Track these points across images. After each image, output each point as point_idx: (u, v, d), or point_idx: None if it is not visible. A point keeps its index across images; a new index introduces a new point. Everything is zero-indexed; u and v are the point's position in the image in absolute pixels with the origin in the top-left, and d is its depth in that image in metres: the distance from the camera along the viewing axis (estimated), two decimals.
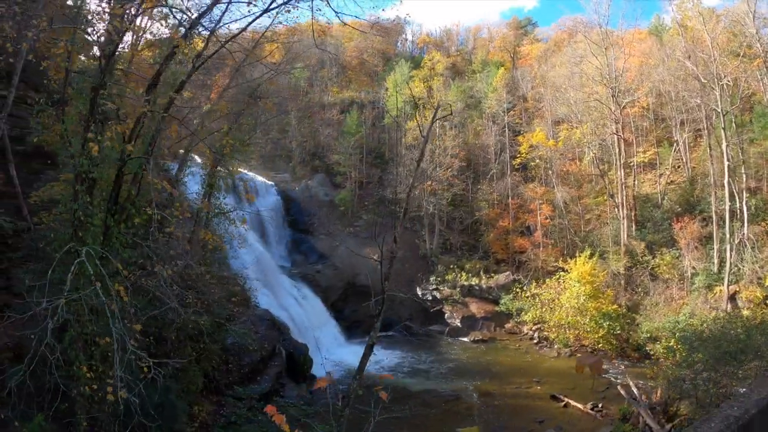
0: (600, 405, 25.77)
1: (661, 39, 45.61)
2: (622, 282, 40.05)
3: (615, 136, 42.73)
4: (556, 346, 36.21)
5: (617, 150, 42.66)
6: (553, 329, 37.03)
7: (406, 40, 77.57)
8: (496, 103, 52.51)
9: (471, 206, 50.68)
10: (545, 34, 70.07)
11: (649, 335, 33.52)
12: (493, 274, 44.81)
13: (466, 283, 44.13)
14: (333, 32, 75.58)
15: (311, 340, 33.52)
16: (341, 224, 48.98)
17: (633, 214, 42.53)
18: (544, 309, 38.31)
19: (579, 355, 34.71)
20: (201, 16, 15.86)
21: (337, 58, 64.74)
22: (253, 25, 18.27)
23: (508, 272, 44.76)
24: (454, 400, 27.63)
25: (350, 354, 34.78)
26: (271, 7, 16.56)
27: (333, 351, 34.76)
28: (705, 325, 31.39)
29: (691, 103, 41.56)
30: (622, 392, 25.39)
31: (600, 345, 34.71)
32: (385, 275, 21.69)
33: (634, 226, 42.02)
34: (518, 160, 50.10)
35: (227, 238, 35.15)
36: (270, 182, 49.50)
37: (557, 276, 39.50)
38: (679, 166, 44.97)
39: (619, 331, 34.46)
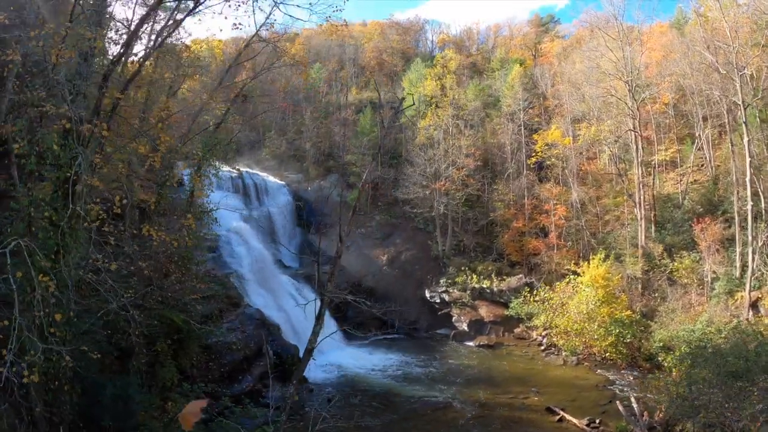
0: (598, 421, 23.29)
1: (682, 32, 42.32)
2: (639, 287, 37.29)
3: (633, 133, 39.84)
4: (563, 354, 33.70)
5: (635, 147, 39.78)
6: (561, 336, 34.55)
7: (427, 39, 75.49)
8: (512, 101, 49.97)
9: (486, 207, 48.37)
10: (567, 30, 66.98)
11: (662, 344, 30.70)
12: (505, 277, 42.49)
13: (477, 286, 41.95)
14: (354, 33, 74.54)
15: (307, 340, 32.24)
16: (354, 224, 47.23)
17: (652, 214, 39.53)
18: (553, 314, 35.92)
19: (586, 363, 32.33)
20: None
21: (355, 59, 63.26)
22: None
23: (520, 275, 42.38)
24: (442, 408, 25.67)
25: (348, 356, 33.44)
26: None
27: (331, 353, 33.10)
28: (723, 334, 28.83)
29: (713, 97, 38.33)
30: (621, 409, 23.03)
31: (607, 354, 32.07)
32: (329, 276, 20.16)
33: (653, 228, 39.05)
34: (533, 159, 47.50)
35: (224, 237, 34.49)
36: (281, 182, 48.35)
37: (567, 279, 37.02)
38: (702, 165, 41.72)
39: (629, 339, 31.71)
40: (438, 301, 41.57)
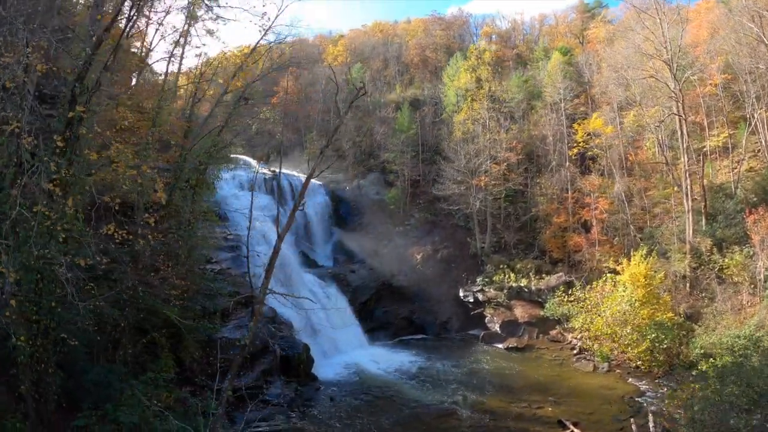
0: None
1: (729, 6, 37.16)
2: (687, 286, 33.24)
3: (677, 117, 35.51)
4: (595, 360, 30.36)
5: (680, 133, 35.47)
6: (593, 340, 31.24)
7: (471, 34, 71.83)
8: (551, 90, 46.22)
9: (528, 202, 45.06)
10: (614, 15, 61.25)
11: (702, 351, 26.85)
12: (544, 276, 39.27)
13: (514, 285, 39.01)
14: (398, 31, 72.50)
15: (327, 340, 31.65)
16: (392, 223, 45.54)
17: (703, 206, 35.06)
18: (587, 316, 32.58)
19: (618, 371, 28.89)
20: None
21: (399, 57, 61.21)
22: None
23: (560, 273, 39.02)
24: (446, 415, 23.70)
25: (367, 357, 32.03)
26: None
27: (352, 352, 32.39)
28: None
29: (762, 72, 33.42)
30: (634, 429, 19.97)
31: (641, 361, 28.43)
32: (266, 273, 18.56)
33: (703, 221, 34.65)
34: (575, 150, 43.67)
35: (245, 238, 33.88)
36: (319, 183, 47.23)
37: (604, 278, 33.50)
38: (759, 150, 36.64)
39: (667, 345, 27.94)
40: (471, 300, 39.01)
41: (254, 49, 32.33)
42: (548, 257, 41.84)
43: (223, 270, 30.73)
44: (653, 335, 28.05)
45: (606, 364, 29.39)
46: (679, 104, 35.18)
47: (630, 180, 41.39)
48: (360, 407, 24.42)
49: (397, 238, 44.02)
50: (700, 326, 29.59)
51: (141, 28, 32.17)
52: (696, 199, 35.47)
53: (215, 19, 33.17)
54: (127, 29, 21.81)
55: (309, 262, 40.44)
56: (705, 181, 36.37)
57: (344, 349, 32.40)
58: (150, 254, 21.20)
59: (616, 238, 39.75)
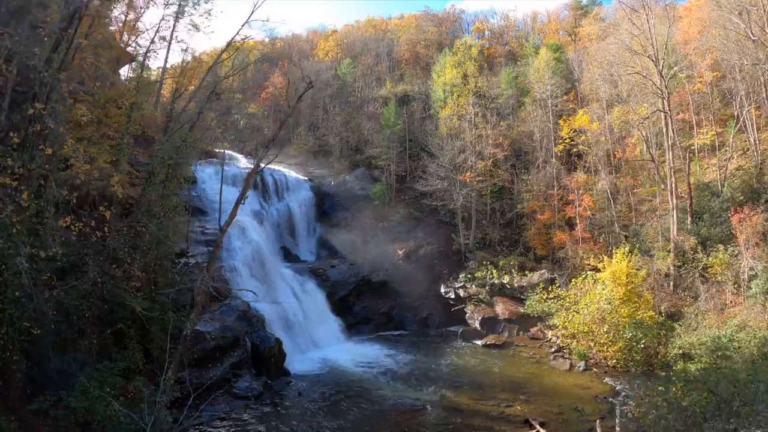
0: None
1: (719, 2, 36.07)
2: (671, 284, 32.22)
3: (663, 114, 34.48)
4: (573, 357, 29.35)
5: (666, 130, 34.45)
6: (570, 338, 30.27)
7: (464, 30, 70.68)
8: (537, 87, 45.18)
9: (514, 198, 44.08)
10: (607, 12, 60.02)
11: (681, 351, 25.85)
12: (527, 272, 38.26)
13: (497, 282, 38.05)
14: (391, 27, 71.47)
15: (303, 335, 31.11)
16: (376, 219, 44.57)
17: (688, 204, 34.02)
18: (568, 313, 31.58)
19: (595, 370, 27.89)
20: None
21: (390, 53, 60.24)
22: None
23: (543, 270, 38.03)
24: (412, 411, 22.68)
25: (343, 352, 31.22)
26: None
27: (328, 347, 31.59)
28: (753, 343, 23.89)
29: (753, 71, 32.36)
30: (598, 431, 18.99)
31: (616, 360, 27.44)
32: (208, 265, 17.98)
33: (689, 219, 33.61)
34: (561, 147, 42.64)
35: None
36: (304, 178, 46.39)
37: (584, 275, 32.52)
38: (747, 149, 35.59)
39: (644, 344, 26.94)
40: (452, 296, 38.02)
41: (229, 44, 31.86)
42: (533, 254, 40.85)
43: (198, 263, 30.10)
44: (630, 334, 27.06)
45: (583, 363, 28.30)
46: (665, 101, 34.16)
47: (617, 177, 40.41)
48: (327, 402, 23.69)
49: (380, 234, 43.09)
50: (681, 325, 28.60)
51: (118, 23, 31.95)
52: (682, 197, 34.49)
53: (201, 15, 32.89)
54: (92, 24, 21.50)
55: (291, 257, 39.58)
56: (692, 179, 35.34)
57: (321, 344, 31.69)
58: (114, 247, 21.07)
59: (602, 236, 38.79)
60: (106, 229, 19.61)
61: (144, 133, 28.42)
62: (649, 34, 34.43)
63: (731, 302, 28.87)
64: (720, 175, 34.82)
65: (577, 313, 30.06)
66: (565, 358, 29.72)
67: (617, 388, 25.46)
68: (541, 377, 27.27)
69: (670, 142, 34.19)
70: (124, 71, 34.77)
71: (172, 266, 26.58)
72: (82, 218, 18.51)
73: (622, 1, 38.75)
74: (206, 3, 34.25)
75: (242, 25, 30.31)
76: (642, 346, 26.96)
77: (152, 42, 33.07)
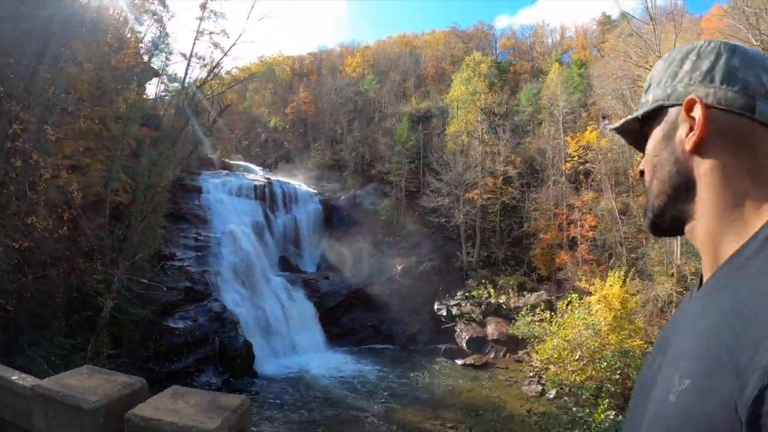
0: None
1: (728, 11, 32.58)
2: (673, 310, 29.01)
3: None
4: (547, 384, 26.80)
5: None
6: (545, 363, 27.71)
7: (491, 47, 68.33)
8: (547, 103, 42.75)
9: (522, 216, 41.68)
10: (637, 26, 55.77)
11: None
12: (526, 293, 35.78)
13: (493, 301, 35.71)
14: (419, 44, 70.45)
15: (282, 340, 31.00)
16: (383, 233, 43.37)
17: None
18: (548, 337, 29.01)
19: (566, 398, 25.24)
20: None
21: (415, 69, 59.32)
22: None
23: (542, 291, 35.41)
24: (352, 422, 21.51)
25: (320, 361, 30.34)
26: None
27: (306, 354, 30.81)
28: None
29: None
30: None
31: (581, 391, 24.67)
32: None
33: None
34: (569, 165, 39.89)
35: (215, 240, 33.91)
36: (314, 191, 45.95)
37: (568, 298, 29.85)
38: None
39: (619, 375, 24.11)
40: (445, 314, 36.03)
41: (218, 63, 32.70)
42: (536, 275, 38.26)
43: (183, 267, 30.85)
44: (605, 363, 24.32)
45: (555, 390, 25.80)
46: None
47: (632, 197, 37.28)
48: (274, 403, 23.28)
49: (385, 248, 41.80)
50: None
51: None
52: None
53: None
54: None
55: (290, 267, 39.10)
56: None
57: (300, 351, 31.11)
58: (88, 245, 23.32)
59: (612, 259, 35.78)
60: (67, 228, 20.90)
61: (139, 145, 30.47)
62: (655, 45, 31.70)
63: None
64: None
65: (554, 338, 27.50)
66: (540, 383, 27.22)
67: (588, 419, 22.81)
68: (504, 401, 24.73)
69: None
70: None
71: (151, 267, 27.33)
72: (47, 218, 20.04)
73: (628, 13, 35.93)
74: (224, 19, 35.45)
75: (230, 47, 31.10)
76: (617, 377, 24.14)
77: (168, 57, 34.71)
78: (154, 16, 32.55)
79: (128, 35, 31.21)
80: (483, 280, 37.41)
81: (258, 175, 45.16)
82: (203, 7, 34.87)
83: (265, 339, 29.61)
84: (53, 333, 19.17)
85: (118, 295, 20.83)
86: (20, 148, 18.10)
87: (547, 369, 27.81)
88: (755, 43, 26.67)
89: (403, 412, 22.94)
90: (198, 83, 34.53)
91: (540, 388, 26.54)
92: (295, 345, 31.37)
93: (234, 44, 30.51)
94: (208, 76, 33.61)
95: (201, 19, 35.38)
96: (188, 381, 23.54)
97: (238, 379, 25.92)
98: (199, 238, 33.68)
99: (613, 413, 18.19)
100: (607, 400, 18.43)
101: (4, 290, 16.98)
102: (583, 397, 24.41)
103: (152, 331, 24.44)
